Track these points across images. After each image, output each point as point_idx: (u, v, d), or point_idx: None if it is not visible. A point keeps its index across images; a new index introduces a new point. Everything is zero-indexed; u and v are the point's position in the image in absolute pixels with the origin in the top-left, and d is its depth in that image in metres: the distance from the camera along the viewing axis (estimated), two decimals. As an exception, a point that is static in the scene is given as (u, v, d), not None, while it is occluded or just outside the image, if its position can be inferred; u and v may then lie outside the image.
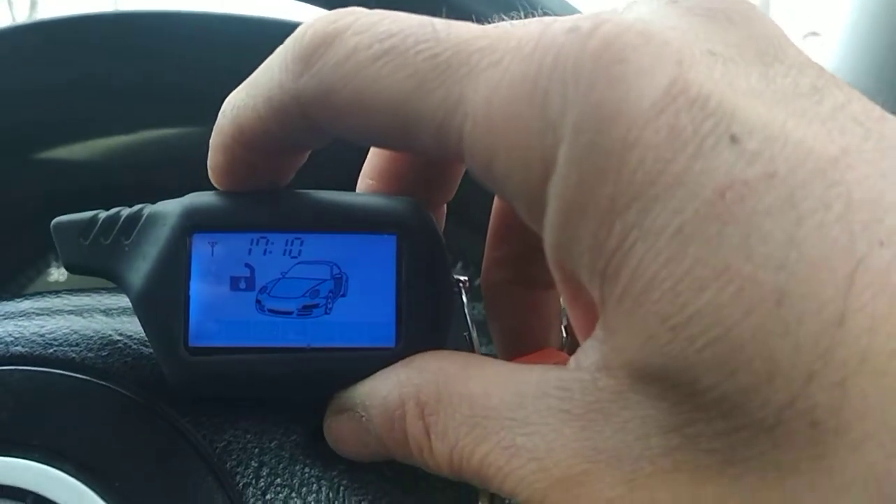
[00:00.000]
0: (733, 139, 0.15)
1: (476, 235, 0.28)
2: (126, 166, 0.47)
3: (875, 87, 0.50)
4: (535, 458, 0.17)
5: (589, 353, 0.17)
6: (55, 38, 0.45)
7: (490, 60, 0.17)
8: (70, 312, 0.27)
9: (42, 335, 0.25)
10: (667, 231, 0.15)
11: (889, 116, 0.16)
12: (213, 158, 0.22)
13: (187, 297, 0.22)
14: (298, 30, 0.19)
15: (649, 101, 0.15)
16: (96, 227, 0.23)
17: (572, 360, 0.18)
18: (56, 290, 0.28)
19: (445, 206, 0.26)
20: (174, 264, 0.22)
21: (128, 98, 0.45)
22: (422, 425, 0.19)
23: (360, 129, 0.19)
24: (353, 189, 0.26)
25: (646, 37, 0.16)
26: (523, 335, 0.26)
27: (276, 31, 0.20)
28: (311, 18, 0.20)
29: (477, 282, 0.27)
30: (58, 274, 0.57)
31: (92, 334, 0.25)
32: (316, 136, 0.21)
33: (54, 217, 0.23)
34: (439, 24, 0.18)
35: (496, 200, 0.25)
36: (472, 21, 0.19)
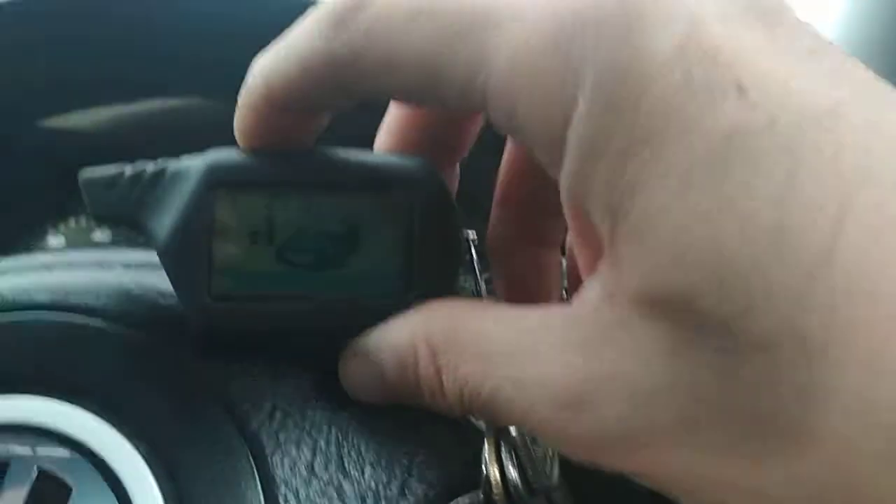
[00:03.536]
0: (740, 89, 0.16)
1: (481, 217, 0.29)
2: (130, 135, 0.48)
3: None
4: (541, 386, 0.18)
5: (593, 285, 0.18)
6: (59, 5, 0.45)
7: (514, 17, 0.18)
8: (90, 265, 0.28)
9: (63, 284, 0.26)
10: (677, 170, 0.16)
11: (879, 79, 0.18)
12: (241, 118, 0.23)
13: (210, 249, 0.23)
14: None
15: (664, 52, 0.16)
16: (123, 180, 0.24)
17: (575, 296, 0.19)
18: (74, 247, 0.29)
19: (458, 165, 0.27)
20: (197, 218, 0.23)
21: (133, 66, 0.46)
22: (433, 367, 0.20)
23: (388, 87, 0.21)
24: (371, 147, 0.27)
25: None
26: (526, 292, 0.27)
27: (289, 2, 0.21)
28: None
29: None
30: (56, 242, 0.58)
31: (113, 284, 0.26)
32: (345, 97, 0.22)
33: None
34: None
35: (504, 160, 0.26)
36: None
